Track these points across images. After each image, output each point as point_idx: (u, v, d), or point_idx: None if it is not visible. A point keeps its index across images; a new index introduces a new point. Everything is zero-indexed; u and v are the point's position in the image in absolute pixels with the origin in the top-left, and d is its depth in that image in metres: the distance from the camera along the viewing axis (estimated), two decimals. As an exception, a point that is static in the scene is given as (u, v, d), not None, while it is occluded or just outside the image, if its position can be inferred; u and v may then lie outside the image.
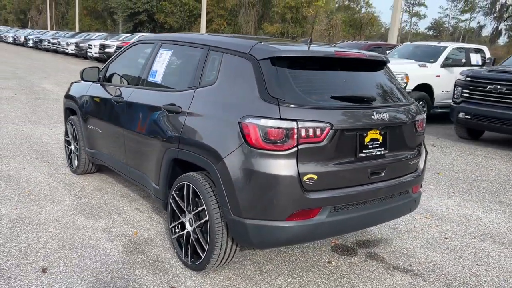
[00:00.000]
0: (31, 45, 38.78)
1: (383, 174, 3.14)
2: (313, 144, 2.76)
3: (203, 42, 3.47)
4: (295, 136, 2.70)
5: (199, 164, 3.08)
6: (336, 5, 39.22)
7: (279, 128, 2.69)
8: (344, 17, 33.03)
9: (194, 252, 3.21)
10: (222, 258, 3.09)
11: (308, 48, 3.17)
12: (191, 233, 3.22)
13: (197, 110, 3.18)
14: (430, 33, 77.67)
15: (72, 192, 4.76)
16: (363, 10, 39.93)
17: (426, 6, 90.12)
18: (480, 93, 8.45)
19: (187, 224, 3.27)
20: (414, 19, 79.69)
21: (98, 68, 4.67)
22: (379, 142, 3.11)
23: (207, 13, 36.30)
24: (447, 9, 77.33)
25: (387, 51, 13.21)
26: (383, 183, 3.15)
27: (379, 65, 3.50)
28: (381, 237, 4.12)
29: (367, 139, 3.03)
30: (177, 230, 3.39)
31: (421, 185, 3.63)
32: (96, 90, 4.65)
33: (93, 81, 4.67)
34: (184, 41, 3.72)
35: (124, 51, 4.53)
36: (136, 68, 4.15)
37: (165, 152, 3.41)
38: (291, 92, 2.82)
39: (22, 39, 42.36)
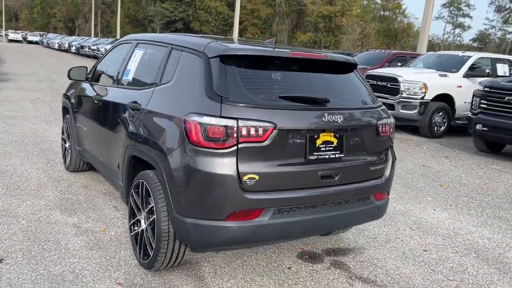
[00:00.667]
0: (73, 51, 40.38)
1: (337, 178, 3.03)
2: (255, 144, 2.70)
3: (168, 41, 3.49)
4: (235, 135, 2.65)
5: (149, 161, 3.09)
6: (375, 14, 38.56)
7: (219, 126, 2.65)
8: (378, 27, 32.42)
9: (145, 250, 3.20)
10: (170, 258, 3.07)
11: (273, 49, 3.12)
12: (145, 231, 3.22)
13: (153, 108, 3.20)
14: (475, 44, 75.06)
15: (58, 188, 4.87)
16: (401, 20, 39.11)
17: (471, 17, 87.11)
18: (498, 104, 8.07)
19: (142, 222, 3.27)
20: (457, 31, 77.32)
21: (86, 68, 4.79)
22: (333, 145, 3.01)
23: (242, 22, 36.67)
24: (493, 20, 74.25)
25: (411, 61, 12.86)
26: (336, 187, 3.04)
27: (346, 67, 3.40)
28: (355, 246, 3.98)
29: (318, 141, 2.94)
30: (135, 228, 3.39)
31: (388, 192, 3.48)
32: (83, 89, 4.77)
33: (81, 80, 4.79)
34: (154, 41, 3.77)
35: (110, 51, 4.63)
36: (115, 68, 4.23)
37: (126, 149, 3.45)
38: (236, 91, 2.78)
39: (66, 45, 44.23)
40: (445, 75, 10.33)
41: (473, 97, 8.75)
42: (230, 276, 3.26)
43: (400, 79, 10.10)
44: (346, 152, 3.08)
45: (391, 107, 10.16)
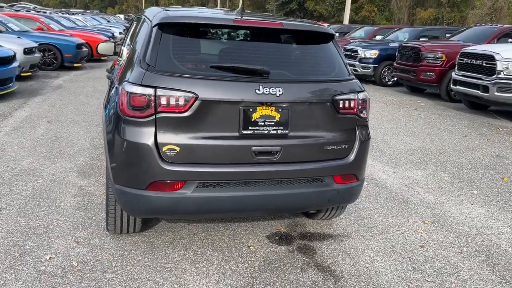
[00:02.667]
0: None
1: (277, 156, 2.82)
2: (175, 114, 2.64)
3: (145, 13, 3.55)
4: (153, 104, 2.63)
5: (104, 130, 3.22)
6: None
7: (139, 94, 2.65)
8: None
9: (107, 214, 3.37)
10: (121, 223, 3.19)
11: (241, 18, 3.00)
12: (110, 195, 3.39)
13: (114, 78, 3.31)
14: None
15: (91, 155, 5.33)
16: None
17: None
18: None
19: (110, 187, 3.44)
20: None
21: (114, 43, 5.11)
22: (274, 120, 2.79)
23: (357, -1, 35.13)
24: None
25: (526, 36, 11.09)
26: (275, 165, 2.83)
27: (317, 37, 3.11)
28: (341, 233, 3.68)
29: (255, 115, 2.76)
30: (109, 192, 3.58)
31: (357, 176, 3.12)
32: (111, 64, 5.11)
33: (109, 55, 5.13)
34: (141, 14, 3.86)
35: (130, 26, 4.87)
36: (125, 42, 4.45)
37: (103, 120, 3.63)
38: (165, 59, 2.73)
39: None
40: (557, 52, 8.72)
41: None
42: (183, 247, 3.28)
43: (497, 56, 8.81)
44: (293, 129, 2.84)
45: (485, 89, 8.95)
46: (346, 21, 26.86)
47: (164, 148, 2.67)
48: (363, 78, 14.03)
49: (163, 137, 2.66)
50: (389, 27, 18.42)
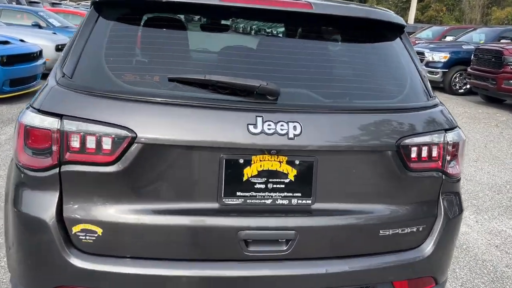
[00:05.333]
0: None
1: (289, 247, 1.52)
2: (95, 167, 1.43)
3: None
4: (57, 147, 1.42)
5: None
6: None
7: (36, 128, 1.45)
8: None
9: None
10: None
11: None
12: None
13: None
14: None
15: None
16: None
17: None
18: None
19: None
20: None
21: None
22: (285, 181, 1.50)
23: (424, -3, 32.59)
24: None
25: None
26: (287, 265, 1.53)
27: (374, 29, 1.77)
28: None
29: (249, 172, 1.48)
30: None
31: (436, 280, 1.74)
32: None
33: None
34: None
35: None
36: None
37: None
38: (90, 66, 1.54)
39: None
40: None
41: None
42: None
43: None
44: (321, 197, 1.54)
45: None
46: (411, 21, 24.95)
47: (75, 229, 1.46)
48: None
49: (73, 208, 1.46)
50: (462, 27, 16.40)
